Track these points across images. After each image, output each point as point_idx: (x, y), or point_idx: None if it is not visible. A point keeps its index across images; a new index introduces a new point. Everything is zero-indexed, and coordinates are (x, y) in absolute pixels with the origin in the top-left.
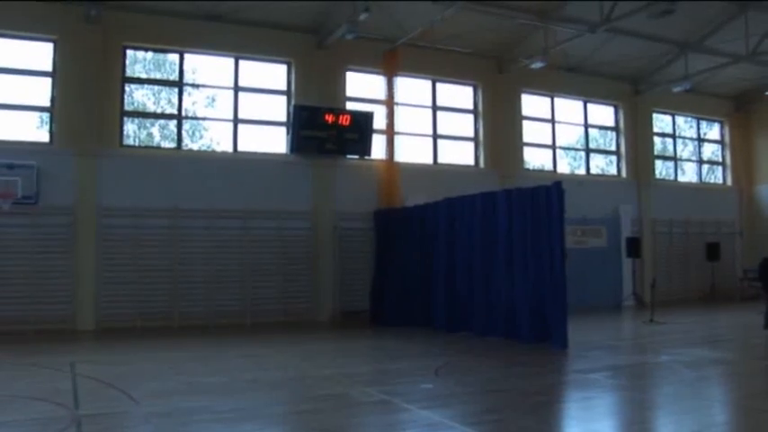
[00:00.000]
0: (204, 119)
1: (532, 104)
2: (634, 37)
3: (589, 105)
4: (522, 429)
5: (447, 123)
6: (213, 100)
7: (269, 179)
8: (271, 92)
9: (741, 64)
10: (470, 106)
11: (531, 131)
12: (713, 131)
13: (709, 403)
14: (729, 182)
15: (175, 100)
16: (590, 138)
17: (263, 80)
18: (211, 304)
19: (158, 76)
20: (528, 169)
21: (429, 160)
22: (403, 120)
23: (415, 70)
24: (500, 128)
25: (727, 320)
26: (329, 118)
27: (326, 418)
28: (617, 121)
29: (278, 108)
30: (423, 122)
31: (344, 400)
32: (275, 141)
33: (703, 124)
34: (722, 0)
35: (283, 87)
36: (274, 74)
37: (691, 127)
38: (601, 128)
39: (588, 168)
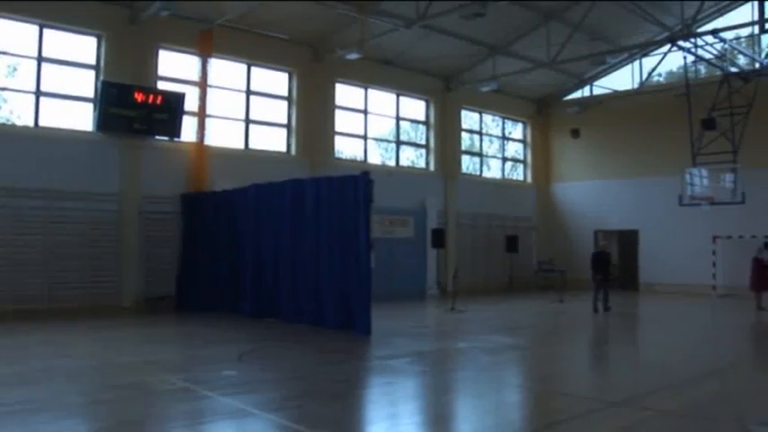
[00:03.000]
0: (3, 89)
1: (346, 94)
2: (447, 36)
3: (402, 99)
4: (324, 415)
5: (260, 109)
6: (14, 69)
7: (73, 157)
8: (78, 65)
9: (543, 70)
10: (285, 93)
11: (344, 121)
12: (517, 131)
13: (503, 386)
14: (529, 179)
15: None
16: (401, 130)
17: (70, 52)
18: (8, 288)
19: None
20: (340, 158)
21: (240, 145)
22: (215, 103)
23: (231, 53)
24: (313, 116)
25: (524, 309)
26: (139, 96)
27: (125, 407)
28: (428, 115)
29: (85, 83)
30: (236, 106)
31: (145, 389)
32: (81, 118)
33: (508, 124)
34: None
35: (92, 62)
36: (83, 47)
37: (497, 125)
38: (412, 121)
39: (398, 160)
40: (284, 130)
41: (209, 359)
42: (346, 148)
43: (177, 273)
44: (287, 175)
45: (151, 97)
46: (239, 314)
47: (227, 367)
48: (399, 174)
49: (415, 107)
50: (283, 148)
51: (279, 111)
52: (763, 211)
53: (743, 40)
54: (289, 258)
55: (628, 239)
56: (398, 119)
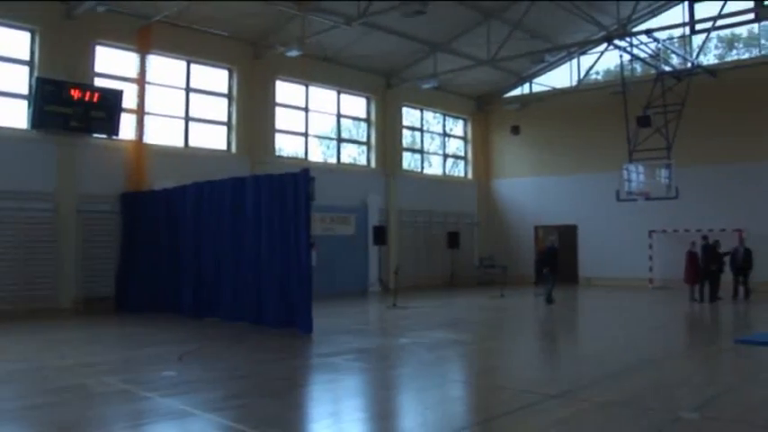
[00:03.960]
0: None
1: (287, 92)
2: (388, 33)
3: (343, 96)
4: (266, 414)
5: (200, 106)
6: None
7: (7, 156)
8: (11, 61)
9: (483, 67)
10: (225, 90)
11: (284, 119)
12: (458, 128)
13: (444, 381)
14: (470, 176)
15: None
16: (343, 128)
17: (3, 47)
18: None
19: None
20: (281, 156)
21: (180, 143)
22: (154, 100)
23: (170, 50)
24: (254, 113)
25: (465, 304)
26: (75, 93)
27: (62, 411)
28: (369, 112)
29: (19, 79)
30: (175, 104)
31: (83, 392)
32: (15, 115)
33: (449, 120)
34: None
35: (26, 57)
36: (16, 42)
37: (438, 122)
38: (353, 118)
39: (339, 157)
40: (224, 128)
41: (148, 360)
42: (287, 146)
43: (117, 273)
44: (227, 173)
45: (88, 94)
46: (180, 314)
47: (168, 368)
48: (340, 171)
49: (356, 104)
50: (224, 146)
51: (219, 108)
52: (696, 205)
53: (675, 40)
54: (229, 257)
55: (567, 235)
56: (339, 116)
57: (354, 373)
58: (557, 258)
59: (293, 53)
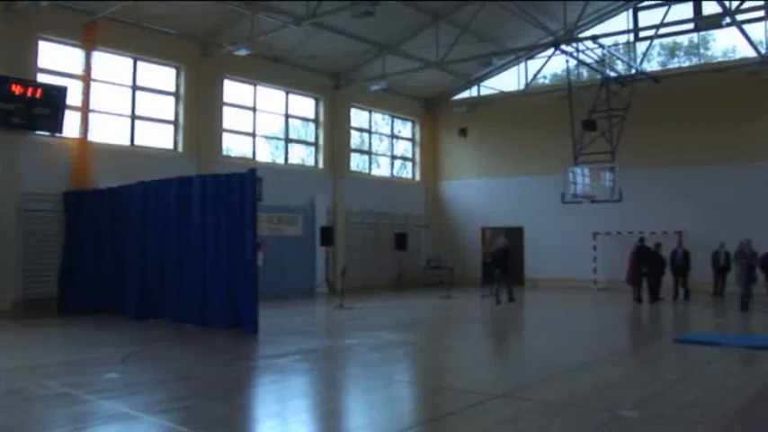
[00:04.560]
0: None
1: (235, 91)
2: (337, 34)
3: (291, 96)
4: (210, 415)
5: (147, 104)
6: None
7: None
8: None
9: (432, 70)
10: (172, 88)
11: (232, 118)
12: (406, 130)
13: (390, 382)
14: (418, 177)
15: None
16: (291, 128)
17: None
18: None
19: None
20: (229, 156)
21: (126, 142)
22: (100, 97)
23: (116, 46)
24: (201, 113)
25: (412, 305)
26: (17, 89)
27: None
28: (317, 113)
29: None
30: (121, 102)
31: (22, 395)
32: None
33: (398, 122)
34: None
35: None
36: None
37: (386, 124)
38: (302, 119)
39: (287, 158)
40: (171, 127)
41: (91, 362)
42: (236, 146)
43: (60, 273)
44: (174, 172)
45: (30, 90)
46: (124, 315)
47: (110, 370)
48: (288, 172)
49: (304, 105)
50: (170, 146)
51: (166, 107)
52: (639, 208)
53: (620, 46)
54: (175, 257)
55: (513, 236)
56: (288, 116)
57: (301, 373)
58: (508, 259)
59: (242, 52)
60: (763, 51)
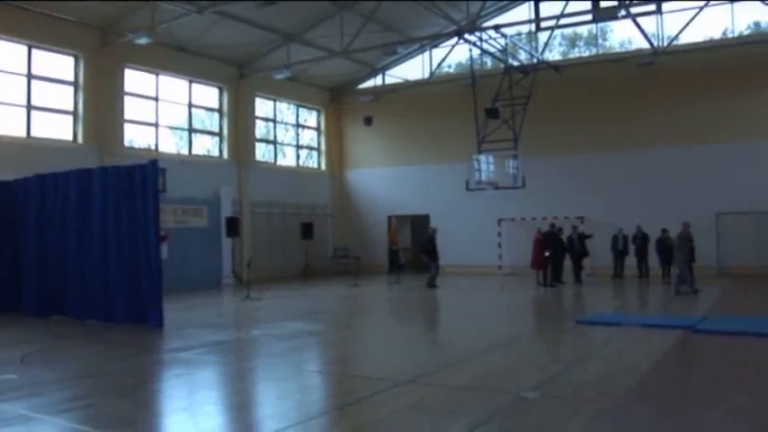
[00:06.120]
0: None
1: (137, 81)
2: (241, 22)
3: (194, 86)
4: (114, 413)
5: (43, 94)
6: None
7: None
8: None
9: (337, 58)
10: (70, 78)
11: (134, 108)
12: (312, 119)
13: (298, 372)
14: (324, 167)
15: None
16: (195, 118)
17: None
18: None
19: None
20: (131, 147)
21: (22, 133)
22: None
23: (10, 33)
24: (101, 103)
25: (320, 294)
26: None
27: None
28: (221, 103)
29: None
30: (16, 91)
31: None
32: None
33: (303, 111)
34: None
35: None
36: None
37: (292, 113)
38: (206, 109)
39: (191, 149)
40: (70, 118)
41: None
42: (138, 137)
43: None
44: (74, 165)
45: None
46: (23, 313)
47: (8, 370)
48: (193, 162)
49: (208, 94)
50: (69, 137)
51: (64, 97)
52: (541, 194)
53: (523, 36)
54: (76, 252)
55: (419, 224)
56: (191, 106)
57: (207, 366)
58: (435, 246)
59: (143, 41)
60: (655, 43)
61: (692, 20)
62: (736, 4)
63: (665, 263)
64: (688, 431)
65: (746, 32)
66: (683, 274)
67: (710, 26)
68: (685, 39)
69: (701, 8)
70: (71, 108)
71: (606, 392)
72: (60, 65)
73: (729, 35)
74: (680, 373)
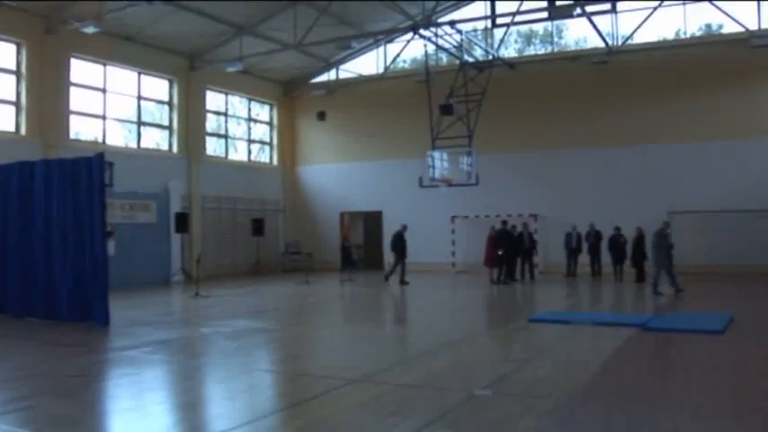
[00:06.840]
0: None
1: (83, 71)
2: (192, 13)
3: (144, 77)
4: (56, 414)
5: None
6: None
7: None
8: None
9: (290, 52)
10: (12, 67)
11: (80, 100)
12: (264, 113)
13: (247, 370)
14: (276, 162)
15: None
16: (144, 111)
17: None
18: None
19: None
20: (77, 140)
21: None
22: None
23: None
24: (46, 93)
25: (270, 291)
26: None
27: None
28: (171, 95)
29: None
30: None
31: None
32: None
33: (255, 105)
34: None
35: None
36: None
37: (244, 107)
38: (155, 101)
39: (140, 142)
40: (12, 108)
41: None
42: (85, 130)
43: None
44: (16, 157)
45: None
46: None
47: None
48: (141, 156)
49: (158, 86)
50: (12, 128)
51: (6, 86)
52: (495, 192)
53: (478, 32)
54: (17, 247)
55: (372, 221)
56: (140, 98)
57: (154, 365)
58: (402, 243)
59: (90, 30)
60: (610, 42)
61: (645, 20)
62: (689, 6)
63: (618, 261)
64: (638, 428)
65: (698, 34)
66: (661, 273)
67: (664, 27)
68: (639, 38)
69: (655, 8)
70: (13, 98)
71: (558, 390)
72: (2, 53)
73: (682, 36)
74: (631, 371)
